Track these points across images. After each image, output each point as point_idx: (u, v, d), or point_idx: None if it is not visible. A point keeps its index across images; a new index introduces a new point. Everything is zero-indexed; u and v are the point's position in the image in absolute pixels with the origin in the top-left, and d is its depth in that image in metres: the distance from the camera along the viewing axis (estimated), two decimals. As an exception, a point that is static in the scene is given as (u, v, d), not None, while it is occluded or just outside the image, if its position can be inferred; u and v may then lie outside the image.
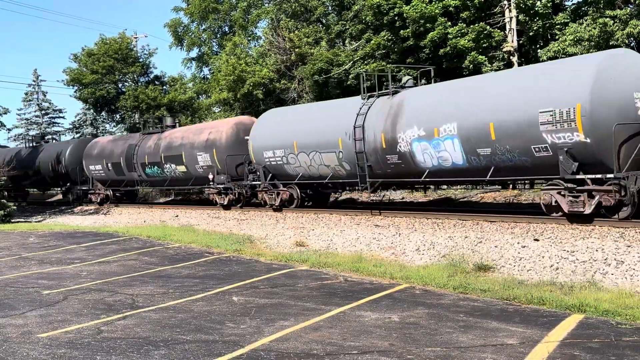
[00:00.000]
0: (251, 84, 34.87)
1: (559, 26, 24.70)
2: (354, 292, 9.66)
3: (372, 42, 28.86)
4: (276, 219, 20.12)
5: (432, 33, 26.11)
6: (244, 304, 9.12)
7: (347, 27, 32.19)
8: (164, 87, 49.27)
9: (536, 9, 24.83)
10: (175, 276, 11.76)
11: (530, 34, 25.81)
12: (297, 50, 34.35)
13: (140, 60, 49.34)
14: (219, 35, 48.91)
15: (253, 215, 21.75)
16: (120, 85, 49.30)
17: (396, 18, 27.57)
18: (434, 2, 26.68)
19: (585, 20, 23.13)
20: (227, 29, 48.62)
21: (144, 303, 9.40)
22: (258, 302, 9.20)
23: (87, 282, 11.50)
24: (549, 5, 24.76)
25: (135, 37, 50.73)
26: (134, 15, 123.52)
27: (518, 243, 12.01)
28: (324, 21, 37.22)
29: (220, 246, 15.35)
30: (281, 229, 17.57)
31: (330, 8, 35.88)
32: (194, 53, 51.30)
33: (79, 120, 58.97)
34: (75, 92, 49.73)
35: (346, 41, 33.09)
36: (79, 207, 32.94)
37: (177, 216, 24.06)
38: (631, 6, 22.63)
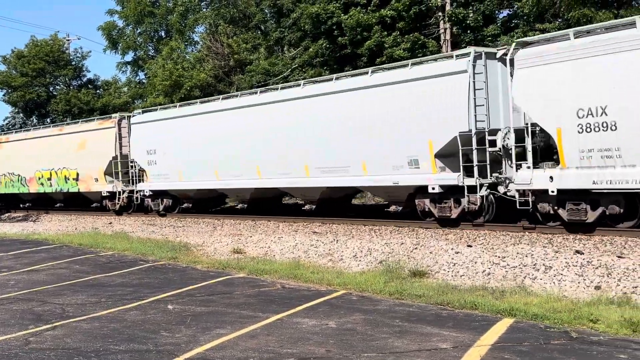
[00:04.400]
0: (188, 87, 34.46)
1: (490, 38, 25.43)
2: (291, 299, 9.64)
3: (311, 49, 29.00)
4: (213, 225, 19.89)
5: (368, 42, 26.45)
6: (180, 312, 8.97)
7: (286, 34, 32.23)
8: (98, 91, 48.14)
9: (467, 22, 25.51)
10: (108, 285, 11.47)
11: (463, 45, 26.48)
12: (235, 56, 34.17)
13: (73, 63, 48.09)
14: (155, 40, 48.10)
15: (189, 222, 21.44)
16: (51, 88, 47.92)
17: (334, 27, 27.82)
18: (370, 12, 27.07)
19: (516, 33, 23.89)
20: (163, 34, 47.88)
21: (74, 313, 9.13)
22: (194, 310, 9.07)
23: (14, 291, 11.09)
24: (479, 19, 25.49)
25: (68, 40, 49.46)
26: (66, 18, 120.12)
27: (452, 249, 12.26)
28: (262, 28, 37.14)
29: (156, 254, 15.06)
30: (218, 236, 17.39)
31: (268, 15, 35.84)
32: (129, 57, 50.24)
33: (7, 124, 56.88)
34: (3, 95, 48.13)
35: (285, 48, 33.11)
36: (7, 214, 31.77)
37: (110, 223, 23.48)
38: (560, 20, 23.52)
